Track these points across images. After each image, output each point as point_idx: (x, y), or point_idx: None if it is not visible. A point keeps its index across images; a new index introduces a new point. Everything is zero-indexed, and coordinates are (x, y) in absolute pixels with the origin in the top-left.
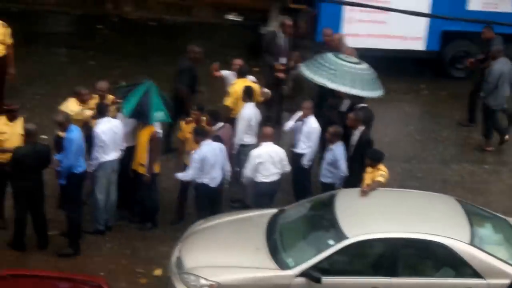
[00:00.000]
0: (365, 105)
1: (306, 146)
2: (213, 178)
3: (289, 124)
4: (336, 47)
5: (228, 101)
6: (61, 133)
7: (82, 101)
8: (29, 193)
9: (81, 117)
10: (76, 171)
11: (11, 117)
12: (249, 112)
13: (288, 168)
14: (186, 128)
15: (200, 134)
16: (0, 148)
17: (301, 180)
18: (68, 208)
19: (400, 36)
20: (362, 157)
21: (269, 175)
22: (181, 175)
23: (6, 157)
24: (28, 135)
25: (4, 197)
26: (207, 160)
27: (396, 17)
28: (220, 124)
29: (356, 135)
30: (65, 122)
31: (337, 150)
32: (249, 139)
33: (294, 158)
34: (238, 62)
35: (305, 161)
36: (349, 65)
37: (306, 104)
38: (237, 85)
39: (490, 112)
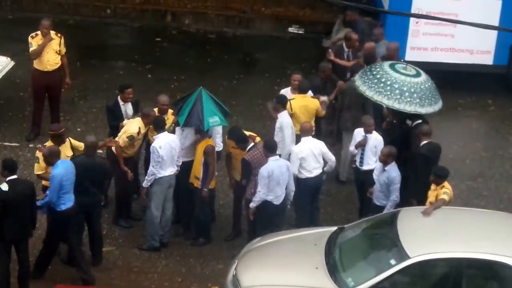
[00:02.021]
0: (420, 121)
1: (373, 162)
2: (277, 196)
3: (352, 147)
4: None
5: None
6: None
7: (149, 123)
8: (87, 209)
9: (133, 141)
10: (58, 208)
11: (59, 142)
12: (288, 120)
13: (332, 160)
14: (229, 142)
15: (268, 149)
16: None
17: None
18: (46, 243)
19: (467, 50)
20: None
21: (312, 169)
22: (256, 200)
23: None
24: (86, 147)
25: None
26: (273, 177)
27: (463, 31)
28: (251, 144)
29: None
30: (50, 157)
31: (392, 173)
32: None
33: (360, 175)
34: (297, 77)
35: (375, 176)
36: (405, 79)
37: (368, 121)
38: (295, 101)
39: None
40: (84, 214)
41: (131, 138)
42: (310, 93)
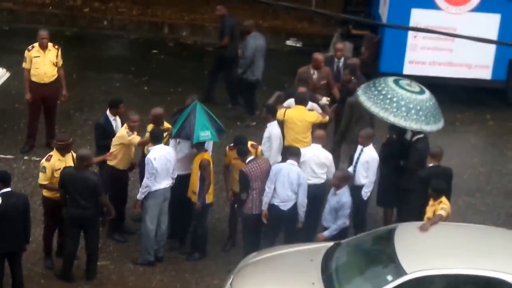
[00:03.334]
0: (421, 135)
1: (364, 178)
2: (284, 200)
3: (350, 168)
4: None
5: None
6: None
7: (130, 128)
8: (81, 222)
9: (126, 141)
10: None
11: (64, 152)
12: (277, 131)
13: (331, 173)
14: (231, 154)
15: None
16: (55, 187)
17: (361, 212)
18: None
19: (466, 64)
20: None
21: (310, 176)
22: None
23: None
24: (78, 159)
25: (53, 234)
26: (280, 175)
27: (462, 45)
28: (251, 157)
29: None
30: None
31: (343, 198)
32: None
33: (351, 190)
34: (301, 89)
35: (363, 193)
36: (410, 96)
37: (364, 133)
38: (290, 112)
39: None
40: (79, 227)
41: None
42: (310, 105)
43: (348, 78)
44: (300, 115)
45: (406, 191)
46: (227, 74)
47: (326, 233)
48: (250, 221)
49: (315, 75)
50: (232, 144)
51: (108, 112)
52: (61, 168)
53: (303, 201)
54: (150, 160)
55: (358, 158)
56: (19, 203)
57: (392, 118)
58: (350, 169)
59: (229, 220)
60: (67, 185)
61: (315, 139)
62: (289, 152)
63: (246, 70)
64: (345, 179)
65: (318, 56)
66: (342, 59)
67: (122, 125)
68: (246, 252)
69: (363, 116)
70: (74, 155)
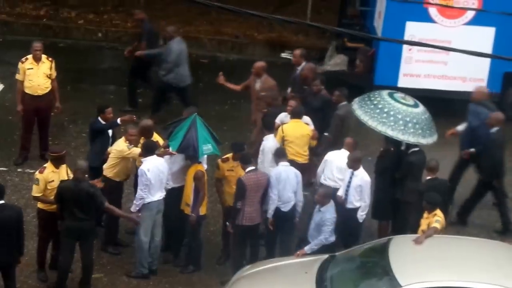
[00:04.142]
0: (417, 148)
1: (357, 200)
2: (285, 202)
3: (341, 192)
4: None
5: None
6: None
7: (129, 141)
8: (78, 234)
9: (127, 154)
10: None
11: (58, 164)
12: (270, 145)
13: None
14: (224, 166)
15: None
16: (48, 200)
17: (355, 233)
18: None
19: (460, 77)
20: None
21: (329, 179)
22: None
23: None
24: (74, 170)
25: (46, 247)
26: (280, 179)
27: (456, 58)
28: (251, 167)
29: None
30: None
31: (327, 214)
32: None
33: (345, 213)
34: (292, 103)
35: (359, 216)
36: (407, 109)
37: (352, 156)
38: (288, 126)
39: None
40: (75, 239)
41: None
42: (305, 118)
43: (318, 88)
44: (299, 129)
45: (401, 203)
46: (145, 78)
47: (306, 248)
48: (240, 231)
49: (257, 83)
50: (224, 157)
51: (99, 118)
52: (55, 180)
53: (300, 197)
54: (144, 172)
55: (349, 182)
56: (13, 216)
57: (390, 132)
58: (341, 191)
59: (222, 234)
60: (65, 199)
61: (344, 145)
62: (277, 155)
63: (168, 73)
64: (328, 196)
65: (257, 63)
66: (300, 66)
67: (113, 134)
68: (234, 262)
69: (351, 127)
70: (68, 169)
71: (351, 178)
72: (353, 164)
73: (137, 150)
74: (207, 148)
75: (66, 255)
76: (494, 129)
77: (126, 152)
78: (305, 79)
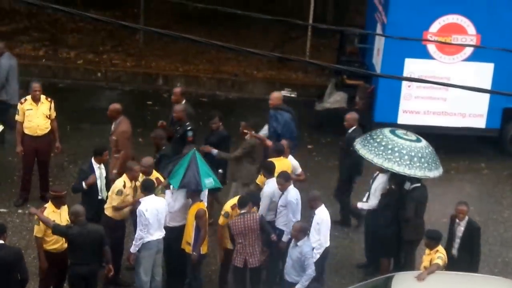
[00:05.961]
0: (418, 184)
1: (315, 240)
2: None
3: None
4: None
5: (259, 180)
6: None
7: (133, 177)
8: (86, 277)
9: (122, 203)
10: None
11: (58, 204)
12: (271, 189)
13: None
14: (233, 213)
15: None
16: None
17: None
18: None
19: (460, 113)
20: None
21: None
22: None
23: (57, 247)
24: (76, 215)
25: None
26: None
27: (456, 94)
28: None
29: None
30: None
31: (305, 248)
32: (270, 217)
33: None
34: (283, 142)
35: (314, 254)
36: (410, 144)
37: (311, 195)
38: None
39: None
40: (84, 284)
41: (119, 192)
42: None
43: (216, 126)
44: (285, 166)
45: (405, 241)
46: None
47: (298, 286)
48: (236, 272)
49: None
50: (232, 204)
51: (92, 159)
52: (55, 221)
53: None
54: (142, 212)
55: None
56: (11, 256)
57: (397, 168)
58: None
59: (219, 277)
60: (77, 245)
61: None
62: (285, 178)
63: (0, 91)
64: (303, 230)
65: (176, 89)
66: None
67: (106, 173)
68: None
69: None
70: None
71: (312, 217)
72: (312, 203)
73: (129, 200)
74: (209, 181)
75: None
76: (351, 129)
77: (121, 196)
78: (179, 120)
